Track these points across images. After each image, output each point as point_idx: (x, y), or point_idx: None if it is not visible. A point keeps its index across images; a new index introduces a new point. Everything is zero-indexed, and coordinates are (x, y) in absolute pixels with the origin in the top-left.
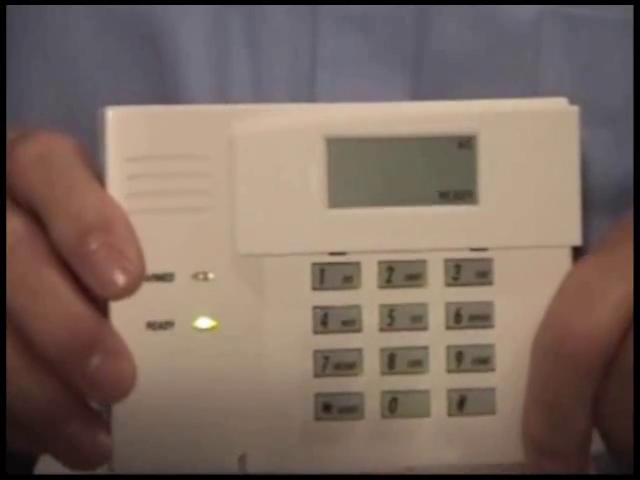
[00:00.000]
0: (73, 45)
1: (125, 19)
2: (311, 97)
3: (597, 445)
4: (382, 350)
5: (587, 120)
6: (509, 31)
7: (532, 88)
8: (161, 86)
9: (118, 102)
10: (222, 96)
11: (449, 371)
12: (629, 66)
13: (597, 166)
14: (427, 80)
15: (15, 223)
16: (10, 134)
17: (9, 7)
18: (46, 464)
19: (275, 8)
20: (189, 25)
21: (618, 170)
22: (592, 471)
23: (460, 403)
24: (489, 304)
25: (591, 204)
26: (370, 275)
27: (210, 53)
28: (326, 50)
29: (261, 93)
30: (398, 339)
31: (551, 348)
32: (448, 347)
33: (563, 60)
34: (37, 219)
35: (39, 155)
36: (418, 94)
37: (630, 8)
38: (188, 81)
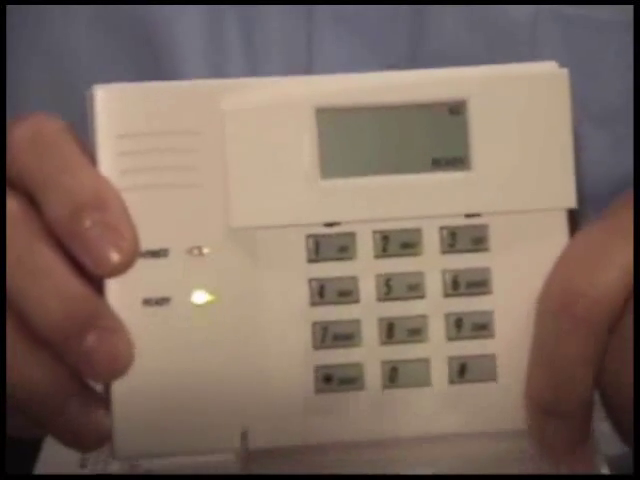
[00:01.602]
0: (71, 44)
1: (123, 19)
2: None
3: (610, 447)
4: (380, 320)
5: (584, 121)
6: (505, 31)
7: None
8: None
9: None
10: None
11: (448, 339)
12: (625, 66)
13: (595, 166)
14: None
15: (9, 204)
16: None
17: (9, 7)
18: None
19: (271, 8)
20: (185, 24)
21: (616, 170)
22: (604, 469)
23: (461, 371)
24: (486, 270)
25: (589, 203)
26: (365, 245)
27: (206, 52)
28: (322, 50)
29: None
30: (396, 308)
31: (556, 309)
32: (447, 315)
33: (559, 60)
34: (31, 200)
35: (31, 136)
36: None
37: (626, 9)
38: (184, 79)
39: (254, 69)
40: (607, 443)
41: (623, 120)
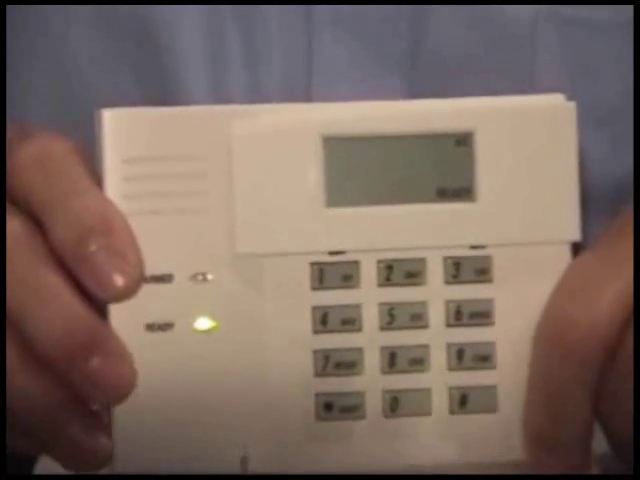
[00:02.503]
0: (72, 46)
1: (123, 20)
2: (307, 98)
3: (600, 445)
4: (382, 349)
5: (584, 120)
6: (505, 31)
7: (528, 89)
8: (158, 87)
9: (116, 103)
10: (218, 97)
11: (450, 369)
12: (625, 66)
13: (594, 166)
14: (423, 81)
15: (14, 224)
16: (9, 134)
17: (9, 7)
18: (46, 465)
19: (270, 8)
20: (185, 25)
21: (616, 170)
22: (596, 470)
23: (461, 401)
24: (489, 301)
25: (589, 204)
26: (369, 274)
27: (206, 55)
28: (322, 51)
29: (257, 94)
30: (398, 337)
31: (552, 339)
32: (449, 345)
33: (559, 60)
34: (36, 221)
35: (38, 156)
36: (414, 95)
37: (626, 9)
38: (184, 83)
39: (254, 69)
40: (598, 440)
41: (623, 120)
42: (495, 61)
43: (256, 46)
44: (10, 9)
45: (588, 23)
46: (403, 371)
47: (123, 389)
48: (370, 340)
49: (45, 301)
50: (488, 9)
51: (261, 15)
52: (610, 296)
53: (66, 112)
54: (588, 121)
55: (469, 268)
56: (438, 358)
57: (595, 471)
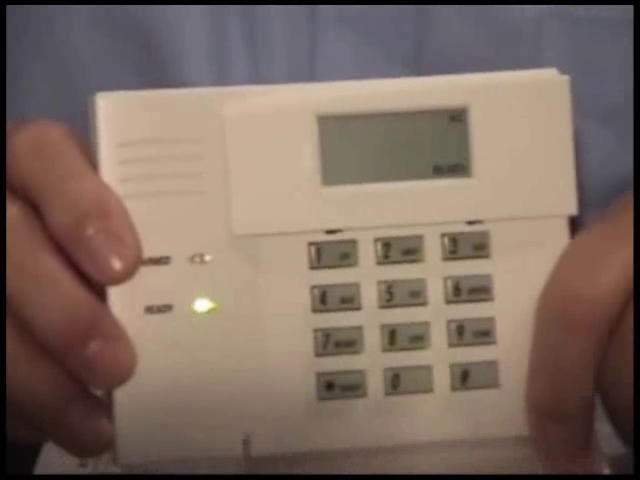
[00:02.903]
0: (73, 46)
1: (125, 21)
2: None
3: (610, 447)
4: (382, 327)
5: (587, 118)
6: (510, 30)
7: None
8: (161, 87)
9: None
10: None
11: (450, 345)
12: (628, 65)
13: (599, 164)
14: None
15: (11, 210)
16: (7, 125)
17: (9, 7)
18: (47, 466)
19: (274, 8)
20: (188, 25)
21: (618, 167)
22: (605, 471)
23: (463, 377)
24: (488, 277)
25: (591, 201)
26: (367, 252)
27: (209, 53)
28: (325, 50)
29: None
30: (398, 315)
31: (556, 312)
32: (448, 321)
33: (564, 58)
34: (33, 206)
35: (34, 142)
36: None
37: (629, 9)
38: (188, 82)
39: (257, 68)
40: (608, 443)
41: (627, 118)
42: (500, 59)
43: (260, 45)
44: (11, 10)
45: (593, 21)
46: (403, 349)
47: (123, 373)
48: (370, 318)
49: (44, 286)
50: (493, 8)
51: (265, 15)
52: (613, 270)
53: (67, 112)
54: (593, 118)
55: (467, 244)
56: (438, 335)
57: (606, 472)
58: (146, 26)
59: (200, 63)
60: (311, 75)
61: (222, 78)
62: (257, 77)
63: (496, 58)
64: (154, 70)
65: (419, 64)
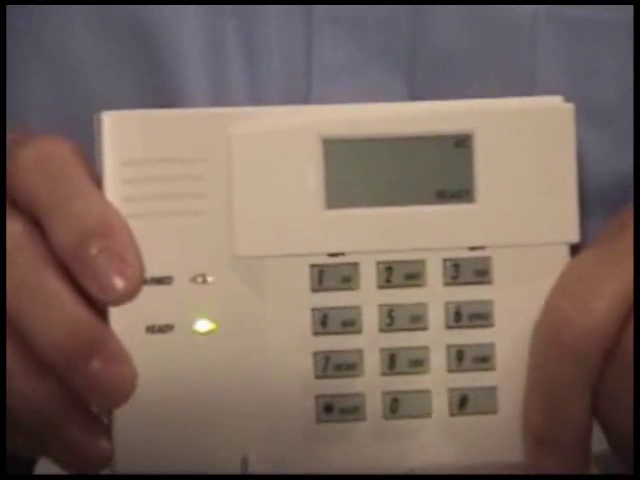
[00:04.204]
0: (72, 47)
1: (123, 22)
2: (307, 99)
3: (599, 444)
4: (382, 350)
5: (583, 121)
6: (505, 31)
7: (528, 89)
8: (158, 88)
9: (115, 104)
10: (218, 99)
11: (450, 370)
12: (625, 66)
13: (595, 166)
14: (423, 81)
15: (15, 227)
16: (10, 136)
17: (9, 7)
18: (46, 467)
19: (270, 9)
20: (185, 27)
21: (615, 170)
22: (594, 470)
23: (461, 402)
24: (488, 303)
25: (588, 204)
26: (369, 275)
27: (206, 56)
28: (321, 51)
29: (257, 95)
30: (398, 339)
31: (550, 340)
32: (448, 346)
33: (559, 60)
34: (37, 223)
35: (39, 159)
36: (414, 95)
37: (626, 10)
38: (184, 83)
39: (253, 70)
40: (597, 439)
41: (623, 120)
42: (495, 61)
43: (256, 47)
44: (11, 10)
45: (588, 23)
46: (403, 373)
47: (123, 392)
48: (370, 342)
49: (46, 304)
50: (488, 9)
51: (261, 15)
52: (607, 296)
53: (67, 113)
54: (588, 121)
55: (468, 269)
56: (438, 360)
57: (595, 471)
58: (144, 27)
59: (197, 63)
60: (307, 75)
61: (218, 79)
62: (253, 77)
63: (491, 60)
64: (151, 71)
65: (414, 65)
